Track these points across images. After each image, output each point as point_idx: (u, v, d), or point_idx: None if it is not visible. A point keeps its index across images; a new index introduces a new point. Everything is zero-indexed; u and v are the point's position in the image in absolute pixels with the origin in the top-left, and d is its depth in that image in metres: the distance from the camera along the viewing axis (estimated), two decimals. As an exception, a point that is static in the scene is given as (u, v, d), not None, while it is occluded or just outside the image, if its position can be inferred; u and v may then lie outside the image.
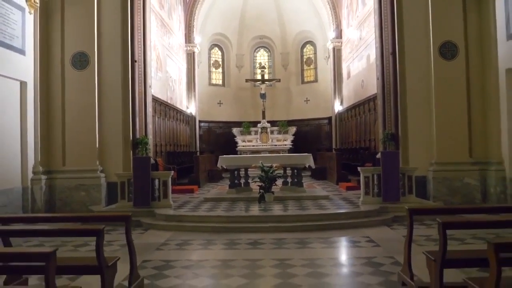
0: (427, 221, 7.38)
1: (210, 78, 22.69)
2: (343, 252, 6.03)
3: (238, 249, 5.90)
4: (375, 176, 8.54)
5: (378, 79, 10.78)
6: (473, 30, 9.53)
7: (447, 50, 9.47)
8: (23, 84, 8.95)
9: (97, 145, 9.58)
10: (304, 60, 23.06)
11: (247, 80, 21.05)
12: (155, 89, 13.39)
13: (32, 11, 9.22)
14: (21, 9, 8.86)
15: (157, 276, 4.70)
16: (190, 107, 19.76)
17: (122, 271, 4.21)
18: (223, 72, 23.11)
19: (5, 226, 4.01)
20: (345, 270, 5.05)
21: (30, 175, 9.04)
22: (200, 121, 20.86)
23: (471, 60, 9.50)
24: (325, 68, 21.33)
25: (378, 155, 8.87)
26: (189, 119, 19.70)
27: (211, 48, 22.76)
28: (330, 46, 20.05)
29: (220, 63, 23.11)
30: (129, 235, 4.04)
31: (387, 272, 4.69)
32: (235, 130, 19.69)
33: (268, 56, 23.60)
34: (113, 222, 7.06)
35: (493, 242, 2.50)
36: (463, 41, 9.46)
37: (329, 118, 20.80)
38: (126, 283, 4.13)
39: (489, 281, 2.57)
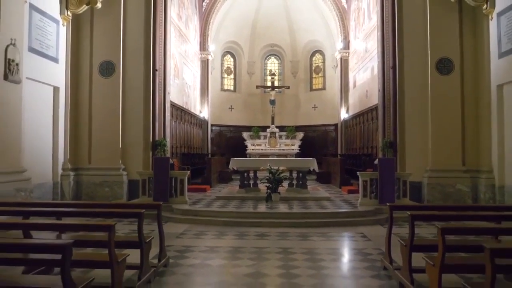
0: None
1: (222, 84, 23.58)
2: (339, 244, 6.83)
3: (247, 239, 6.78)
4: (373, 181, 9.32)
5: (379, 90, 11.59)
6: (468, 47, 10.19)
7: (443, 66, 10.20)
8: (55, 90, 9.93)
9: (120, 146, 10.52)
10: (313, 68, 23.84)
11: (257, 87, 21.96)
12: (172, 94, 14.31)
13: (65, 24, 10.21)
14: (56, 21, 9.84)
15: (179, 257, 5.60)
16: (203, 112, 20.67)
17: (150, 252, 5.08)
18: (234, 78, 23.99)
19: (57, 208, 4.95)
20: (338, 257, 5.89)
21: (60, 171, 10.01)
22: (212, 125, 21.75)
23: (465, 76, 10.16)
24: (333, 77, 22.09)
25: (376, 161, 9.64)
26: (202, 123, 20.61)
27: (223, 55, 23.65)
28: (338, 56, 20.81)
29: (232, 69, 23.99)
30: (160, 219, 4.93)
31: (373, 259, 5.53)
32: (245, 134, 20.51)
33: (278, 63, 24.44)
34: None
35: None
36: (458, 58, 10.14)
37: (335, 125, 21.53)
38: (155, 261, 5.01)
39: (437, 257, 3.39)
